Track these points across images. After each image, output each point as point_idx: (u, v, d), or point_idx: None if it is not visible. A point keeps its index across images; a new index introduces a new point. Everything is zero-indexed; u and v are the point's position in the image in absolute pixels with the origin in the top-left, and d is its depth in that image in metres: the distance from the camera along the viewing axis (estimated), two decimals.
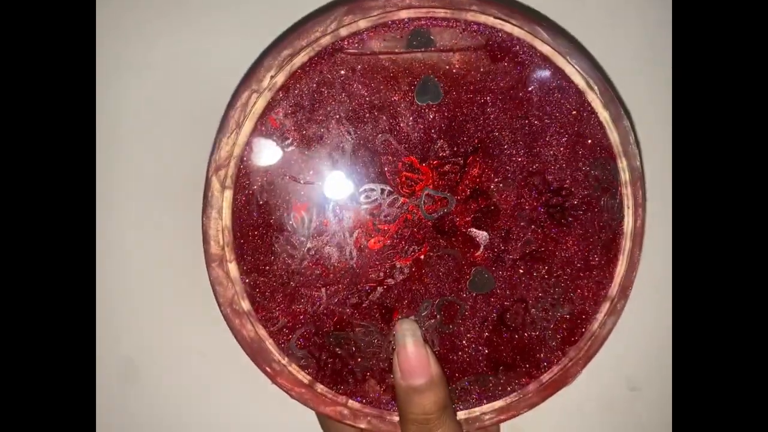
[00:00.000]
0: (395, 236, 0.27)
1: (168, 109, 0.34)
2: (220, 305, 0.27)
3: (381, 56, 0.27)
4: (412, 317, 0.28)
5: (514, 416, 0.29)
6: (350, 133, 0.27)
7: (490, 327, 0.28)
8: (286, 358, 0.27)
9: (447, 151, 0.27)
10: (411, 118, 0.27)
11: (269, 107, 0.26)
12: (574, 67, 0.27)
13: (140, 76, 0.34)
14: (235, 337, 0.27)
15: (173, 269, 0.36)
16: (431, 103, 0.27)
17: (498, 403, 0.29)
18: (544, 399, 0.29)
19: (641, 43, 0.36)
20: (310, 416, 0.33)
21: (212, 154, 0.27)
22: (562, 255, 0.28)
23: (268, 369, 0.27)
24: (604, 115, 0.28)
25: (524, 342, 0.29)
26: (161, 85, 0.34)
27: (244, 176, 0.26)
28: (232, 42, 0.33)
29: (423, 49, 0.27)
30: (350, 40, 0.26)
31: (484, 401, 0.29)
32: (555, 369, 0.29)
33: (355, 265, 0.27)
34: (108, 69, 0.34)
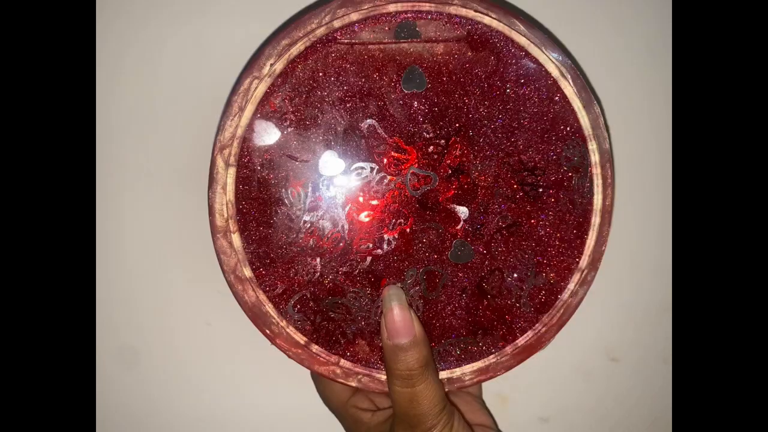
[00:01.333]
0: (383, 210, 0.30)
1: (176, 95, 0.37)
2: (224, 272, 0.30)
3: (371, 46, 0.29)
4: (399, 284, 0.31)
5: (492, 377, 0.32)
6: (342, 117, 0.29)
7: (470, 294, 0.31)
8: (284, 321, 0.30)
9: (431, 134, 0.30)
10: (398, 104, 0.29)
11: (269, 92, 0.29)
12: (548, 56, 0.30)
13: (152, 66, 0.36)
14: (238, 302, 0.30)
15: (180, 242, 0.38)
16: (416, 91, 0.29)
17: (477, 364, 0.31)
18: (519, 362, 0.32)
19: (611, 34, 0.38)
20: (308, 381, 0.36)
21: (217, 135, 0.29)
22: (536, 229, 0.31)
23: (268, 331, 0.30)
24: (576, 101, 0.30)
25: (501, 308, 0.31)
26: (171, 74, 0.36)
27: (246, 155, 0.29)
28: (235, 33, 0.35)
29: (409, 40, 0.29)
30: (343, 32, 0.29)
31: (464, 362, 0.31)
32: (530, 334, 0.31)
33: (346, 237, 0.30)
34: (124, 61, 0.36)
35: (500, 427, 0.34)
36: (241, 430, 0.42)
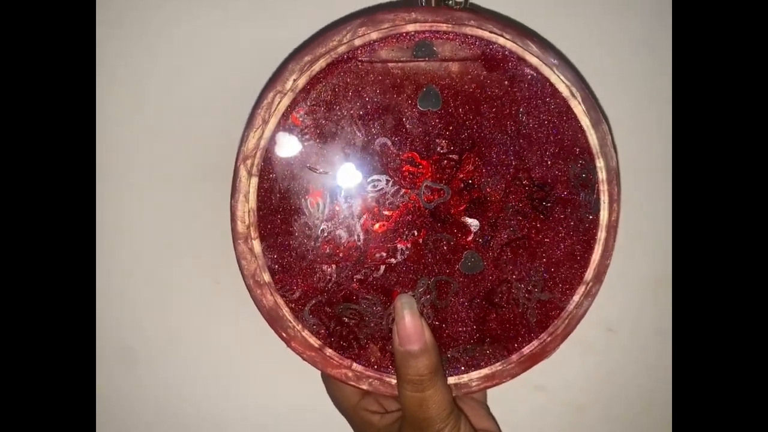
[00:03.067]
0: (397, 221, 0.31)
1: (203, 108, 0.38)
2: (244, 277, 0.31)
3: (389, 64, 0.30)
4: (410, 293, 0.32)
5: (498, 384, 0.33)
6: (360, 131, 0.31)
7: (478, 304, 0.32)
8: (299, 325, 0.31)
9: (445, 149, 0.31)
10: (414, 120, 0.31)
11: (291, 106, 0.30)
12: (559, 77, 0.31)
13: (181, 80, 0.38)
14: (256, 305, 0.31)
15: (184, 243, 0.39)
16: (432, 109, 0.31)
17: (484, 371, 0.33)
18: (524, 370, 0.33)
19: (621, 56, 0.39)
20: (317, 382, 0.37)
21: (240, 146, 0.30)
22: (544, 243, 0.32)
23: (284, 334, 0.31)
24: (584, 120, 0.31)
25: (508, 318, 0.32)
26: (197, 88, 0.38)
27: (268, 165, 0.30)
28: (259, 50, 0.36)
29: (426, 59, 0.30)
30: (363, 49, 0.30)
31: (472, 369, 0.33)
32: (535, 343, 0.33)
33: (361, 246, 0.31)
34: (158, 74, 0.37)
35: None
36: (248, 430, 0.43)
